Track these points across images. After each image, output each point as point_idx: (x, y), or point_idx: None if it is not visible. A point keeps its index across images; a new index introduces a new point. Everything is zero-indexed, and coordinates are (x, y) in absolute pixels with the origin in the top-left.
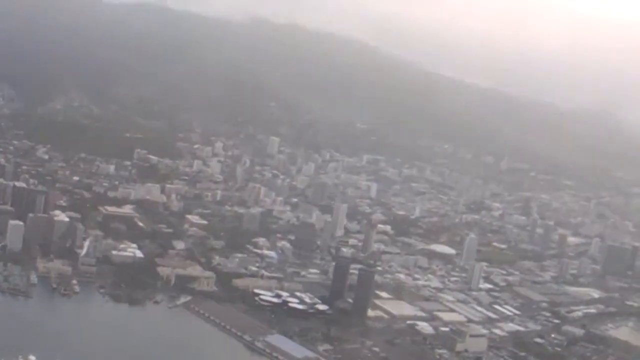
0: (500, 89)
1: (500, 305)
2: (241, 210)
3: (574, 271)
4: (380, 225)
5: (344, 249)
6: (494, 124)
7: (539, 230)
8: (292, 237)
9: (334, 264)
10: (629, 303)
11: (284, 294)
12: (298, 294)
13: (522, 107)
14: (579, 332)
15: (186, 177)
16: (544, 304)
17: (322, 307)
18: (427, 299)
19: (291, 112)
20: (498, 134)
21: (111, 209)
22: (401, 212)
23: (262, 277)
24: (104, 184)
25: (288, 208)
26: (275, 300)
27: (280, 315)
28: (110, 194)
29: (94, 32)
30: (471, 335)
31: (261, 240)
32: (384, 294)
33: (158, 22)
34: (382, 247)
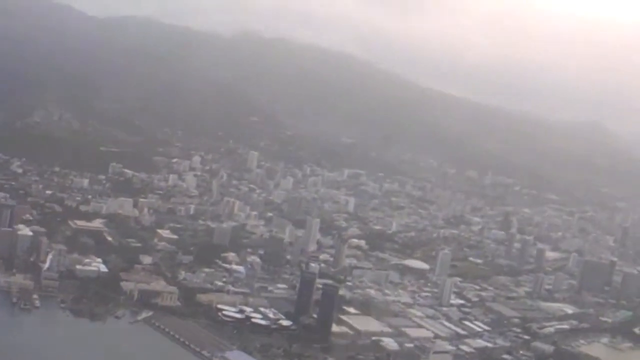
0: (488, 102)
1: (470, 321)
2: (213, 225)
3: (550, 286)
4: (354, 240)
5: (313, 264)
6: (480, 138)
7: (517, 245)
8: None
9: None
10: (603, 319)
11: (248, 309)
12: (262, 309)
13: (510, 120)
14: (548, 348)
15: (161, 192)
16: (516, 320)
17: (285, 322)
18: (395, 315)
19: (275, 126)
20: (483, 148)
21: (81, 223)
22: (378, 227)
23: (228, 292)
24: (77, 198)
25: (262, 222)
26: (238, 315)
27: (242, 331)
28: (82, 208)
29: (80, 45)
30: (435, 352)
31: (231, 255)
32: (351, 310)
33: (146, 35)
34: (355, 262)
